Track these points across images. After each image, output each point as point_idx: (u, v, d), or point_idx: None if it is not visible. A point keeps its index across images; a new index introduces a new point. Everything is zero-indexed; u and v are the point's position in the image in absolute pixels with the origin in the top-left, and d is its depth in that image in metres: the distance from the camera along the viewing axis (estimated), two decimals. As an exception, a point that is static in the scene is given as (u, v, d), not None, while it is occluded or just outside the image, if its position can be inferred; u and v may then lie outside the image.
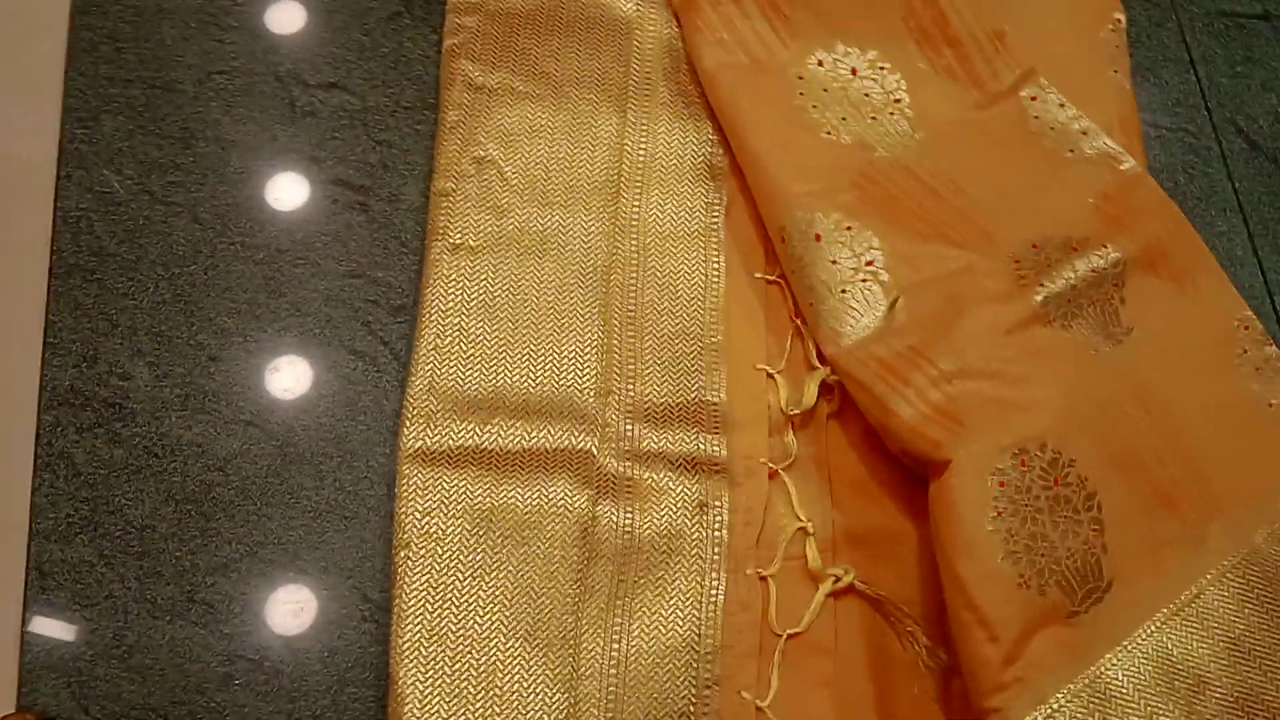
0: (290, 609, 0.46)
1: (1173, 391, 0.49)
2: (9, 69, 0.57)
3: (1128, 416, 0.48)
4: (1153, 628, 0.44)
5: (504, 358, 0.50)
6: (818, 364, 0.50)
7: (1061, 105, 0.55)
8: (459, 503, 0.46)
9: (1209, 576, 0.45)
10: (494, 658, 0.44)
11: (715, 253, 0.54)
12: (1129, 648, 0.43)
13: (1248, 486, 0.48)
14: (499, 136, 0.55)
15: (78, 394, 0.49)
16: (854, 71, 0.56)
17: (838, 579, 0.46)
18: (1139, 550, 0.45)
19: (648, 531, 0.46)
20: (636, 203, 0.54)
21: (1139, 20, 0.60)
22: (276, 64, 0.57)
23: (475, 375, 0.49)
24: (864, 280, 0.50)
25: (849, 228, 0.51)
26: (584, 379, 0.50)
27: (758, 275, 0.53)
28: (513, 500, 0.46)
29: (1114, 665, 0.43)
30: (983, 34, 0.57)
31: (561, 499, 0.47)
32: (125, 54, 0.57)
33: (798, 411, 0.49)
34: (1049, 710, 0.41)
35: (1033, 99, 0.55)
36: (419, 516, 0.46)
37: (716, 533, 0.47)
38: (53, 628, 0.45)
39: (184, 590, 0.45)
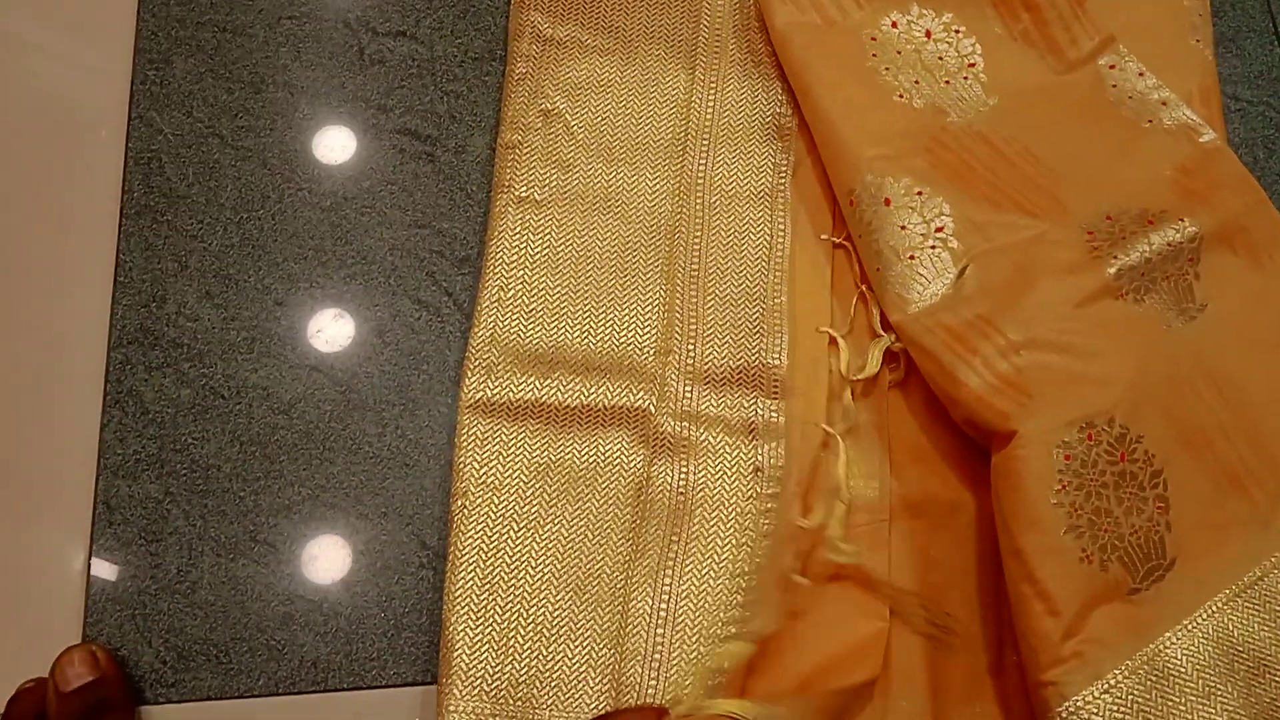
0: (350, 553, 0.46)
1: (1247, 370, 0.48)
2: (81, 10, 0.57)
3: (1199, 394, 0.47)
4: (1214, 608, 0.43)
5: (566, 313, 0.50)
6: (882, 331, 0.50)
7: (1141, 74, 0.53)
8: (517, 455, 0.46)
9: (1274, 559, 0.44)
10: (544, 610, 0.44)
11: (781, 214, 0.53)
12: (1189, 627, 0.43)
13: None
14: (566, 90, 0.54)
15: (147, 333, 0.49)
16: (928, 34, 0.55)
17: None
18: (1204, 530, 0.44)
19: (701, 494, 0.46)
20: (703, 161, 0.54)
21: (1225, -11, 0.58)
22: (346, 10, 0.57)
23: (537, 329, 0.49)
24: (933, 247, 0.49)
25: (920, 193, 0.50)
26: (645, 338, 0.50)
27: (824, 237, 0.53)
28: (569, 455, 0.47)
29: (1174, 644, 0.42)
30: None
31: (618, 456, 0.47)
32: (197, -4, 0.57)
33: (860, 378, 0.49)
34: (1106, 685, 0.41)
35: (1111, 67, 0.54)
36: (477, 467, 0.46)
37: (769, 500, 0.47)
38: (118, 562, 0.46)
39: (247, 530, 0.46)
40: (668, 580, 0.45)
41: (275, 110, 0.55)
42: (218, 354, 0.49)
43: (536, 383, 0.48)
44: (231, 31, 0.56)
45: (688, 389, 0.49)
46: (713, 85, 0.55)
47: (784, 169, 0.54)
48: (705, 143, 0.54)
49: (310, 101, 0.55)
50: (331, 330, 0.50)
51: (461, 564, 0.44)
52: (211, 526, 0.46)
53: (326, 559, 0.46)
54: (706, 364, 0.49)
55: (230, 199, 0.52)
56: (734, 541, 0.46)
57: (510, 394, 0.48)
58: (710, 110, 0.55)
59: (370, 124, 0.55)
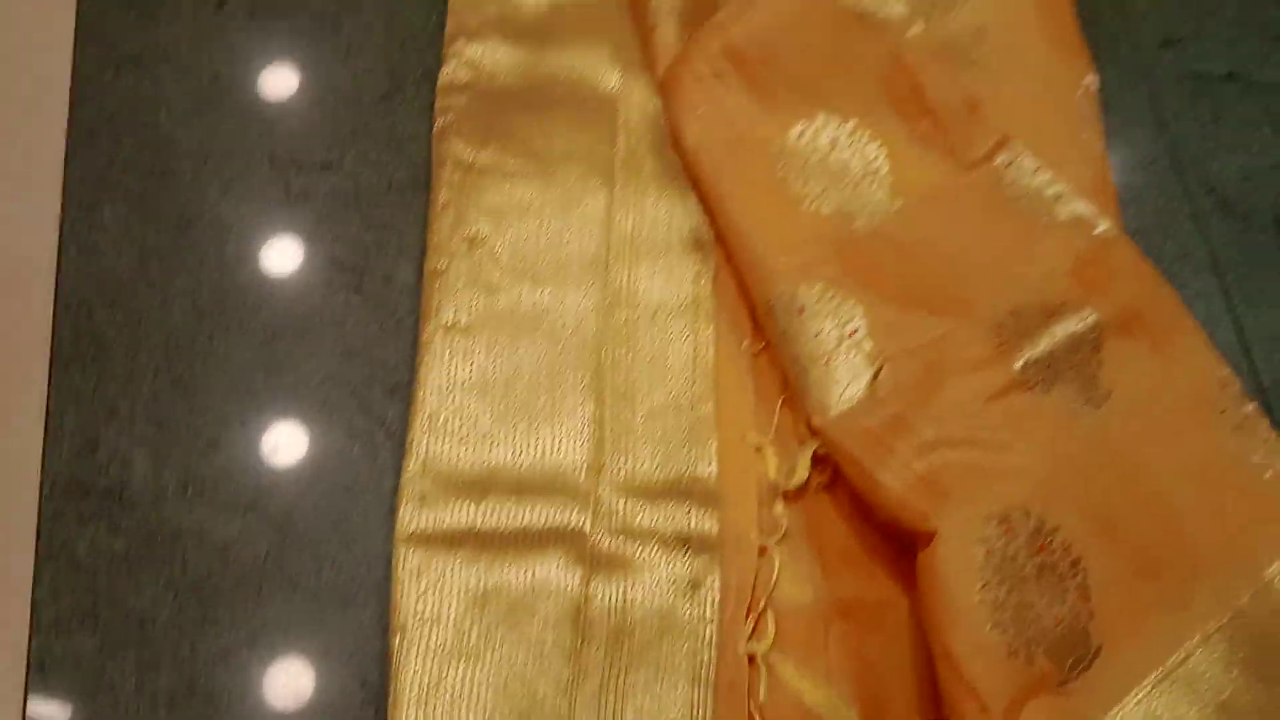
0: (289, 696, 0.46)
1: (1154, 453, 0.50)
2: (9, 160, 0.58)
3: (1110, 480, 0.48)
4: (1141, 694, 0.44)
5: (497, 435, 0.51)
6: (809, 434, 0.51)
7: (1035, 171, 0.56)
8: (453, 585, 0.47)
9: (1195, 640, 0.46)
10: None
11: (705, 324, 0.55)
12: (1119, 715, 0.44)
13: (1231, 547, 0.48)
14: (490, 214, 0.56)
15: (78, 484, 0.50)
16: (833, 142, 0.58)
17: None
18: (1126, 616, 0.46)
19: (640, 612, 0.47)
20: (625, 277, 0.55)
21: (1110, 83, 0.61)
22: (272, 147, 0.59)
23: (468, 454, 0.50)
24: (848, 350, 0.51)
25: (832, 298, 0.52)
26: (576, 455, 0.51)
27: (745, 345, 0.54)
28: (507, 581, 0.47)
29: None
30: (958, 102, 0.58)
31: (555, 579, 0.47)
32: (124, 142, 0.58)
33: (790, 485, 0.50)
34: (1041, 779, 0.41)
35: (1007, 166, 0.56)
36: (414, 600, 0.46)
37: (708, 612, 0.47)
38: None
39: (184, 680, 0.46)
40: (611, 702, 0.45)
41: (204, 250, 0.56)
42: (150, 501, 0.49)
43: (470, 508, 0.49)
44: (159, 174, 0.57)
45: (621, 504, 0.50)
46: (631, 202, 0.57)
47: (704, 279, 0.56)
48: (627, 258, 0.56)
49: (238, 239, 0.56)
50: (265, 468, 0.51)
51: (402, 702, 0.44)
52: (148, 680, 0.46)
53: (266, 705, 0.46)
54: (639, 478, 0.50)
55: (160, 342, 0.53)
56: (677, 659, 0.47)
57: (444, 522, 0.48)
58: (630, 227, 0.57)
59: (299, 257, 0.56)
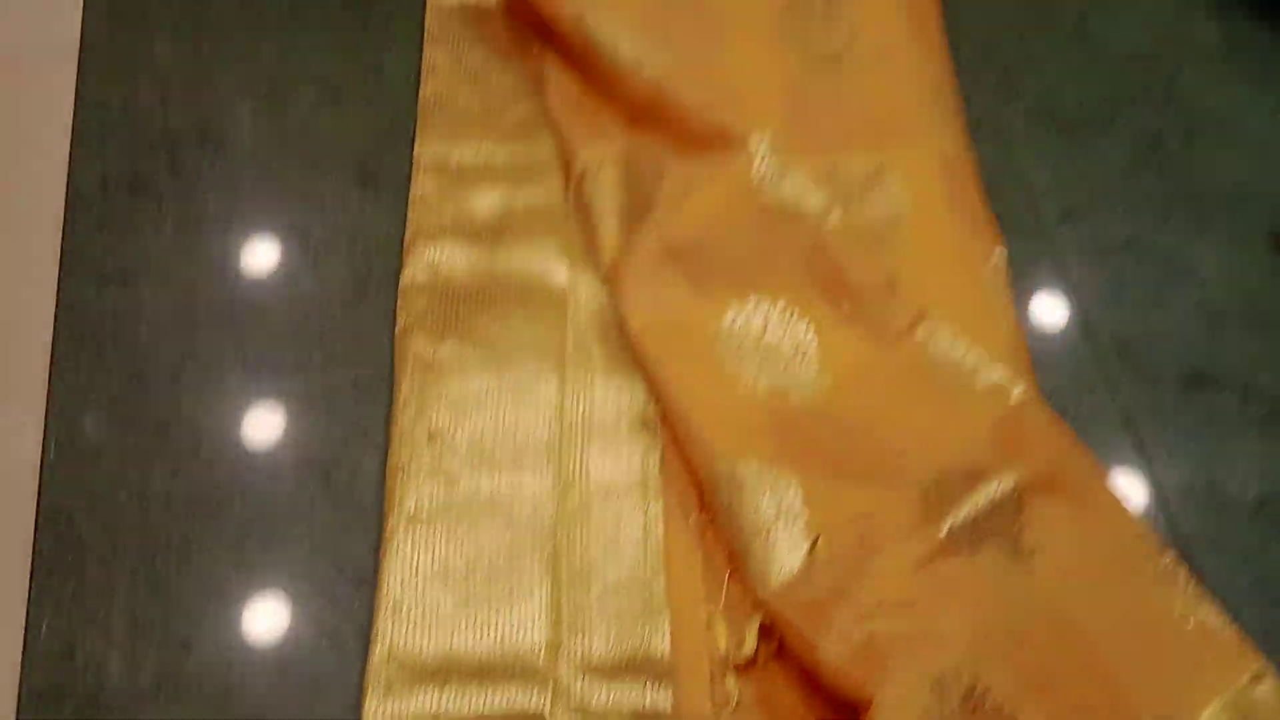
0: None
1: (1081, 608, 0.53)
2: (-4, 372, 0.62)
3: (1041, 637, 0.51)
4: None
5: (458, 622, 0.53)
6: (755, 606, 0.54)
7: (953, 342, 0.61)
8: None
9: None
10: None
11: (654, 500, 0.58)
12: None
13: (1162, 696, 0.51)
14: (449, 406, 0.60)
15: (56, 689, 0.52)
16: (765, 323, 0.62)
17: None
18: (1062, 769, 0.48)
19: None
20: (578, 460, 0.59)
21: (1018, 255, 0.67)
22: (245, 352, 0.63)
23: (431, 642, 0.52)
24: (786, 523, 0.54)
25: (769, 472, 0.56)
26: (535, 636, 0.53)
27: (693, 518, 0.58)
28: None
29: None
30: (877, 281, 0.63)
31: None
32: (105, 354, 0.62)
33: (739, 659, 0.53)
34: None
35: (926, 339, 0.61)
36: None
37: None
38: None
39: None
40: None
41: (179, 452, 0.59)
42: (125, 704, 0.51)
43: (434, 695, 0.51)
44: (138, 382, 0.61)
45: (580, 683, 0.52)
46: (581, 388, 0.61)
47: (653, 458, 0.59)
48: (578, 442, 0.60)
49: (212, 442, 0.60)
50: (236, 665, 0.53)
51: None
52: None
53: None
54: (595, 656, 0.53)
55: (136, 546, 0.56)
56: None
57: (409, 710, 0.50)
58: (580, 411, 0.61)
59: (270, 456, 0.60)
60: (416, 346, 0.62)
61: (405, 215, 0.67)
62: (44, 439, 0.59)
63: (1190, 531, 0.59)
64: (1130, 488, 0.60)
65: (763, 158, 0.65)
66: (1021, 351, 0.63)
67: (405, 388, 0.60)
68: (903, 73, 0.72)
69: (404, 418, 0.59)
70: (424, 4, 0.75)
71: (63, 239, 0.66)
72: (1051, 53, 0.77)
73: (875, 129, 0.70)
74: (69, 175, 0.69)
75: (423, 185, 0.67)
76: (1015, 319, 0.64)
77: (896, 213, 0.67)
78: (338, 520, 0.57)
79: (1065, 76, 0.76)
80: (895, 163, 0.68)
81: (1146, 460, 0.61)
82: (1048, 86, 0.75)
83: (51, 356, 0.62)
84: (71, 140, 0.70)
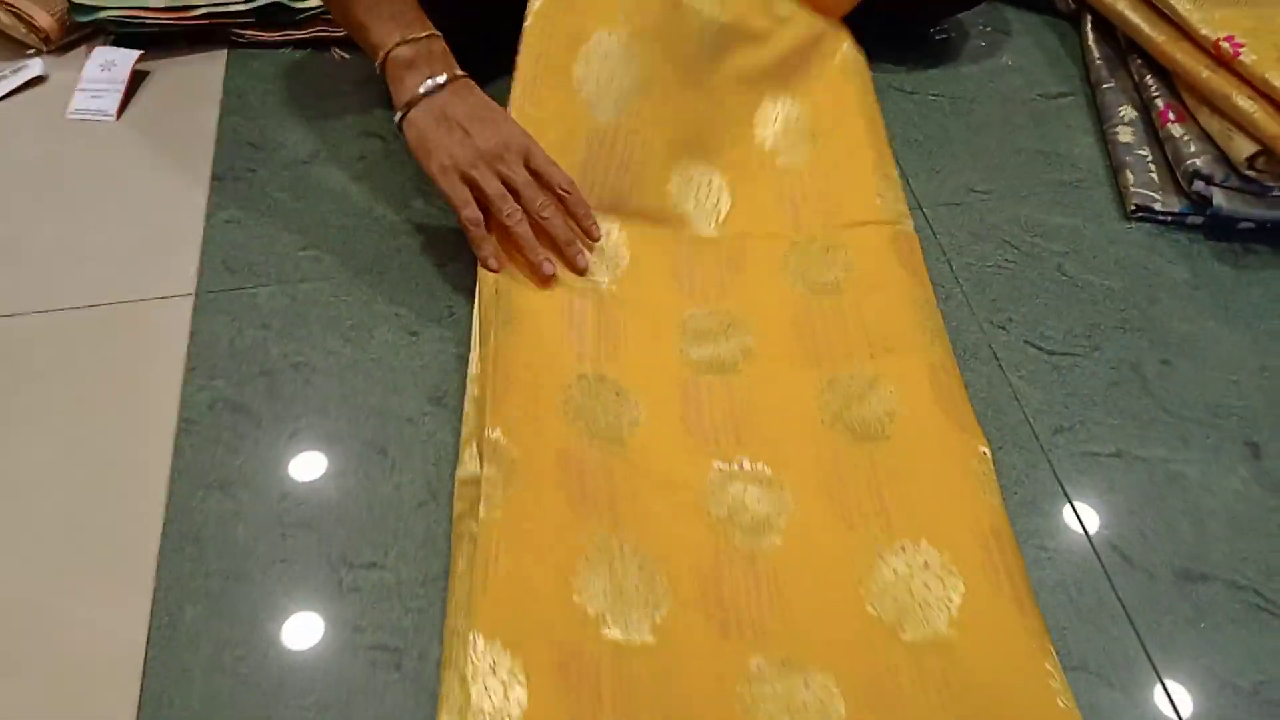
0: None
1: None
2: (105, 568, 0.70)
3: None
4: None
5: None
6: None
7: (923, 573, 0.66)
8: None
9: None
10: None
11: None
12: None
13: None
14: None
15: None
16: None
17: None
18: None
19: None
20: None
21: (1017, 464, 0.75)
22: (329, 551, 0.71)
23: None
24: None
25: None
26: None
27: None
28: None
29: None
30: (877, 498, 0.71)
31: None
32: (206, 551, 0.71)
33: None
34: None
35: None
36: None
37: None
38: None
39: None
40: None
41: (268, 641, 0.66)
42: None
43: None
44: (234, 578, 0.69)
45: None
46: None
47: None
48: None
49: (297, 629, 0.67)
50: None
51: None
52: None
53: None
54: None
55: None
56: None
57: None
58: None
59: (348, 643, 0.66)
60: (469, 526, 0.69)
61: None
62: (149, 627, 0.67)
63: (1193, 715, 0.63)
64: (1132, 674, 0.65)
65: None
66: (1007, 536, 0.67)
67: (460, 563, 0.68)
68: (894, 296, 0.82)
69: (459, 589, 0.66)
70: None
71: (174, 452, 0.76)
72: (1036, 289, 0.88)
73: (871, 344, 0.79)
74: (181, 398, 0.79)
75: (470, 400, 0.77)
76: (1001, 508, 0.69)
77: (892, 412, 0.75)
78: (408, 702, 0.63)
79: (1049, 308, 0.87)
80: (889, 371, 0.77)
81: (1146, 648, 0.66)
82: (1035, 317, 0.86)
83: (159, 554, 0.70)
84: (185, 369, 0.81)
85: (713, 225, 0.89)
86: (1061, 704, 0.60)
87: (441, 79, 0.81)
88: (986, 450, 0.72)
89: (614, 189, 0.86)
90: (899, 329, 0.80)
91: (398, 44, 0.81)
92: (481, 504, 0.66)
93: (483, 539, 0.64)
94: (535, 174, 0.81)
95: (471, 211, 0.79)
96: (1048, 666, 0.61)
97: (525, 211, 0.80)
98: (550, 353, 0.76)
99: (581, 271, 0.81)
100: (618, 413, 0.74)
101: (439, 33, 0.83)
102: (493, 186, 0.79)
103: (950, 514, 0.68)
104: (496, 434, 0.69)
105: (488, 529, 0.65)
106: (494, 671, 0.58)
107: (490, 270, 0.79)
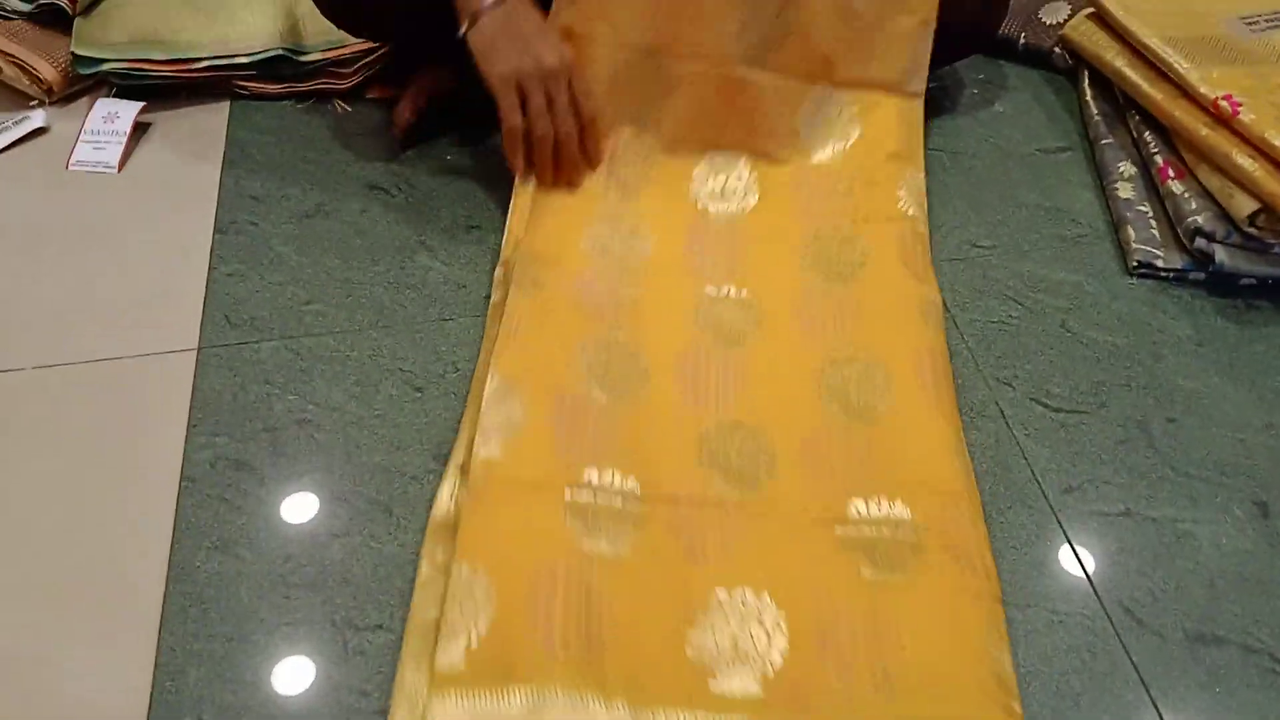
0: None
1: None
2: (108, 628, 0.69)
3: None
4: None
5: None
6: None
7: None
8: None
9: None
10: None
11: None
12: None
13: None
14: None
15: None
16: None
17: None
18: None
19: None
20: None
21: (1025, 524, 0.75)
22: (333, 612, 0.70)
23: None
24: None
25: None
26: None
27: None
28: None
29: None
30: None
31: None
32: (209, 613, 0.70)
33: None
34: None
35: None
36: None
37: None
38: None
39: None
40: None
41: (272, 711, 0.65)
42: None
43: None
44: (238, 641, 0.68)
45: None
46: None
47: None
48: None
49: (304, 699, 0.66)
50: None
51: None
52: None
53: None
54: None
55: (232, 793, 0.61)
56: None
57: None
58: None
59: (353, 707, 0.65)
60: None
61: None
62: (151, 690, 0.65)
63: (1208, 781, 0.63)
64: (1148, 736, 0.65)
65: None
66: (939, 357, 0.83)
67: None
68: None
69: None
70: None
71: (176, 511, 0.75)
72: (1041, 345, 0.89)
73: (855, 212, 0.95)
74: (184, 455, 0.79)
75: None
76: (945, 354, 0.84)
77: (863, 258, 0.92)
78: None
79: (1054, 365, 0.87)
80: (865, 234, 0.93)
81: (1159, 710, 0.66)
82: (1040, 374, 0.86)
83: (161, 616, 0.69)
84: (187, 425, 0.81)
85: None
86: (960, 464, 0.76)
87: None
88: (936, 297, 0.89)
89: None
90: (882, 206, 0.95)
91: None
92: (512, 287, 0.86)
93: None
94: (572, 99, 0.90)
95: (516, 120, 0.89)
96: (954, 440, 0.78)
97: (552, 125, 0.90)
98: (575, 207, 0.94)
99: (573, 186, 0.94)
100: (631, 245, 0.91)
101: None
102: (536, 101, 0.88)
103: (895, 338, 0.83)
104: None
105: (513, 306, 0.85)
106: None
107: (514, 170, 0.93)
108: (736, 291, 0.88)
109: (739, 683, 0.64)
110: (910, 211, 0.95)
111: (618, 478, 0.74)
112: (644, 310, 0.86)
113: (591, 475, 0.74)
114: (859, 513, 0.73)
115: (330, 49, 1.09)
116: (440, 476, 0.77)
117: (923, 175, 0.98)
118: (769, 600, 0.68)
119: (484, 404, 0.77)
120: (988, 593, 0.69)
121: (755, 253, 0.92)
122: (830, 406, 0.80)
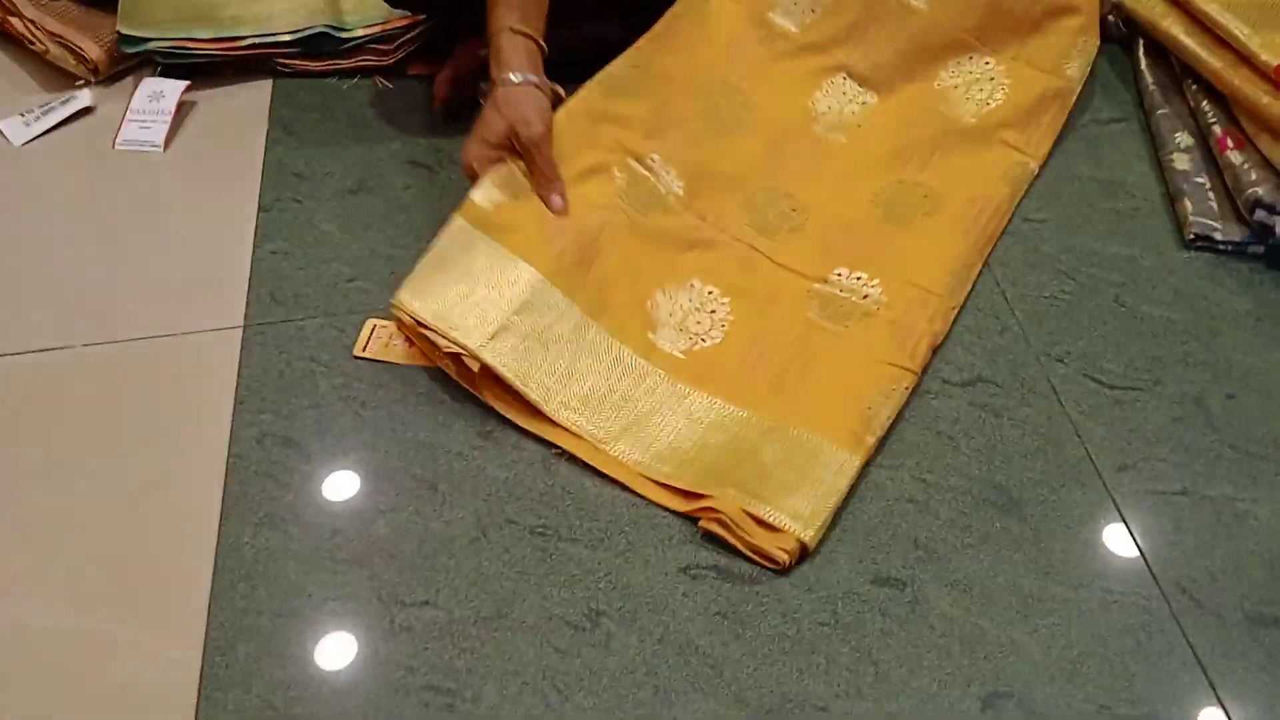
0: None
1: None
2: (158, 604, 0.70)
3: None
4: None
5: None
6: None
7: None
8: None
9: None
10: None
11: None
12: None
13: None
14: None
15: None
16: None
17: None
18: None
19: None
20: None
21: (1079, 502, 0.73)
22: (379, 588, 0.70)
23: None
24: None
25: None
26: None
27: None
28: None
29: None
30: None
31: None
32: (257, 589, 0.70)
33: None
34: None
35: None
36: None
37: None
38: None
39: None
40: None
41: (329, 688, 0.65)
42: None
43: None
44: (286, 616, 0.69)
45: None
46: None
47: None
48: None
49: (352, 671, 0.66)
50: None
51: None
52: None
53: None
54: None
55: (283, 765, 0.61)
56: None
57: None
58: None
59: (400, 683, 0.65)
60: None
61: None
62: (202, 665, 0.66)
63: (1267, 764, 0.61)
64: (1201, 714, 0.63)
65: None
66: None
67: None
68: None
69: None
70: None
71: (224, 487, 0.76)
72: (1094, 321, 0.87)
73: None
74: (231, 433, 0.79)
75: None
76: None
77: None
78: (462, 744, 0.63)
79: (1108, 341, 0.85)
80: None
81: (1218, 693, 0.64)
82: (1094, 350, 0.84)
83: (211, 591, 0.70)
84: (234, 402, 0.81)
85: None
86: (953, 280, 0.88)
87: (520, 78, 0.85)
88: (1030, 166, 0.98)
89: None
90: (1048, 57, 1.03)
91: (509, 29, 0.85)
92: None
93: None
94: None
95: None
96: (963, 260, 0.89)
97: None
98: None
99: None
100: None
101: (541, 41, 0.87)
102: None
103: (965, 182, 0.94)
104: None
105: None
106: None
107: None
108: (862, 90, 1.00)
109: (669, 343, 0.82)
110: (1069, 71, 1.02)
111: (672, 173, 0.90)
112: (773, 75, 0.98)
113: (655, 158, 0.89)
114: (837, 275, 0.87)
115: (371, 25, 1.08)
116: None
117: (1097, 42, 1.03)
118: (727, 303, 0.85)
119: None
120: (903, 369, 0.80)
121: (900, 64, 1.00)
122: (875, 210, 0.92)
